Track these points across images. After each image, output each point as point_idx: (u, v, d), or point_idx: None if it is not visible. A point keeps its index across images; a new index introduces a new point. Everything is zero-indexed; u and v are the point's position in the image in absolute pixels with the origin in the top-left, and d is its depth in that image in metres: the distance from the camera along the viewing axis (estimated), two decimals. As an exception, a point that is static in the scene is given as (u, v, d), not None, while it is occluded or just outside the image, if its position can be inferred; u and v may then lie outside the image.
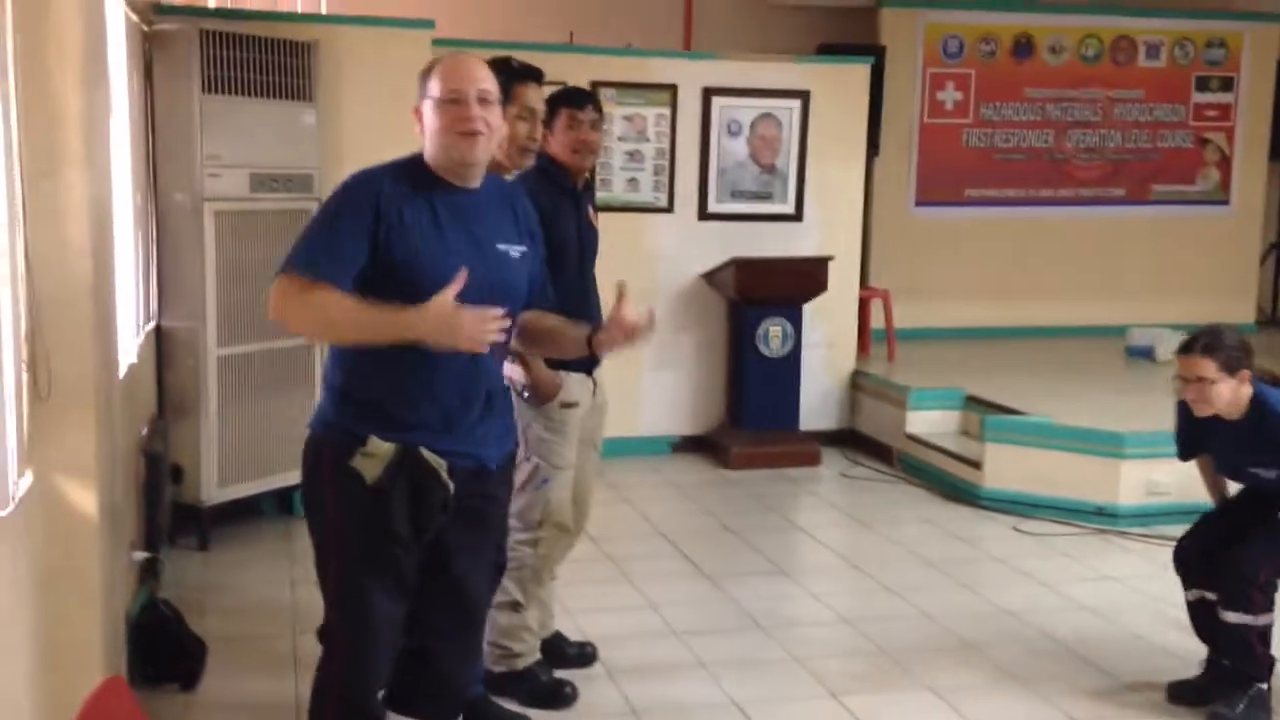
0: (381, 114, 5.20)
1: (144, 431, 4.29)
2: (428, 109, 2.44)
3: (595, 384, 3.65)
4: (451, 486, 2.45)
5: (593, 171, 4.15)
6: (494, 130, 2.45)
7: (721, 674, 3.79)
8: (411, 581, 2.50)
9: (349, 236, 2.34)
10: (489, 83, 2.44)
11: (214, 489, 4.87)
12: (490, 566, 2.69)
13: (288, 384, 5.08)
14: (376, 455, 2.38)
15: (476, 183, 2.50)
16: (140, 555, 3.91)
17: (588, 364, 3.53)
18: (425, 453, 2.41)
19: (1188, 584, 3.63)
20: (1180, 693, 3.61)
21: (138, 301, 4.35)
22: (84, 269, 2.65)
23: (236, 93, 4.76)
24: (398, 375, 2.39)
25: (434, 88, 2.43)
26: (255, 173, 4.83)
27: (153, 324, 4.80)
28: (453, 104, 2.40)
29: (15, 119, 2.44)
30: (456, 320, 2.29)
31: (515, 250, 2.54)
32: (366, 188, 2.40)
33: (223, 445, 4.86)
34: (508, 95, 2.97)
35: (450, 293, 2.29)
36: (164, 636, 3.66)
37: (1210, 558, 3.55)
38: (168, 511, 4.56)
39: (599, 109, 3.62)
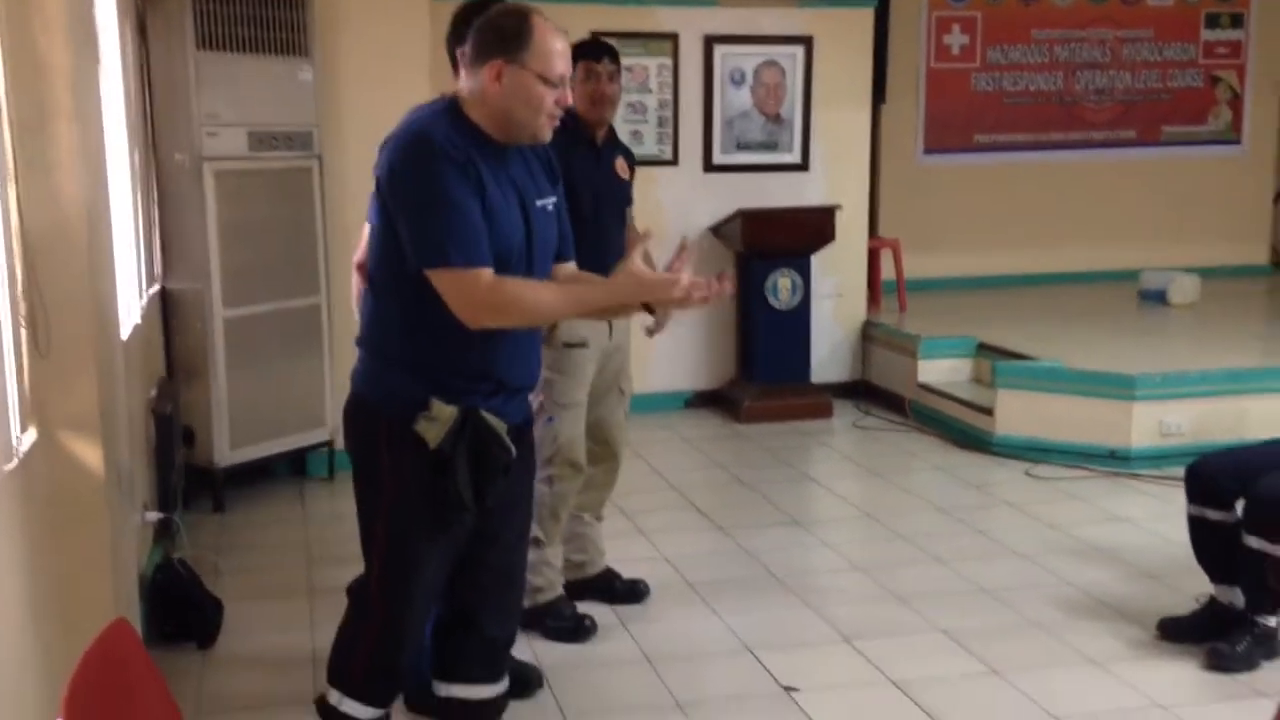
0: (379, 68, 5.15)
1: (153, 394, 4.29)
2: (521, 77, 2.32)
3: (611, 326, 3.66)
4: (514, 450, 2.44)
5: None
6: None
7: (735, 622, 3.79)
8: (461, 549, 2.49)
9: (475, 211, 2.28)
10: None
11: (226, 451, 4.87)
12: (528, 520, 2.70)
13: (298, 345, 5.07)
14: (440, 419, 2.34)
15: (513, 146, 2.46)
16: (154, 516, 3.93)
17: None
18: (486, 415, 2.39)
19: (1191, 498, 3.58)
20: (1171, 629, 3.60)
21: (140, 262, 4.34)
22: (78, 222, 2.63)
23: (232, 49, 4.71)
24: (460, 345, 2.35)
25: (539, 62, 2.32)
26: (254, 131, 4.79)
27: (158, 286, 4.79)
28: (555, 88, 2.34)
29: (1, 73, 2.42)
30: (650, 288, 2.34)
31: (550, 203, 2.50)
32: (456, 153, 2.29)
33: (233, 407, 4.86)
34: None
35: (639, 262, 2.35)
36: (180, 596, 3.68)
37: (1228, 476, 3.49)
38: (181, 474, 4.58)
39: (616, 60, 3.64)
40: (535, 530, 3.59)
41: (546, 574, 3.69)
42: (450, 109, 2.39)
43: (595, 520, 3.94)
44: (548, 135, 2.42)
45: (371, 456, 2.44)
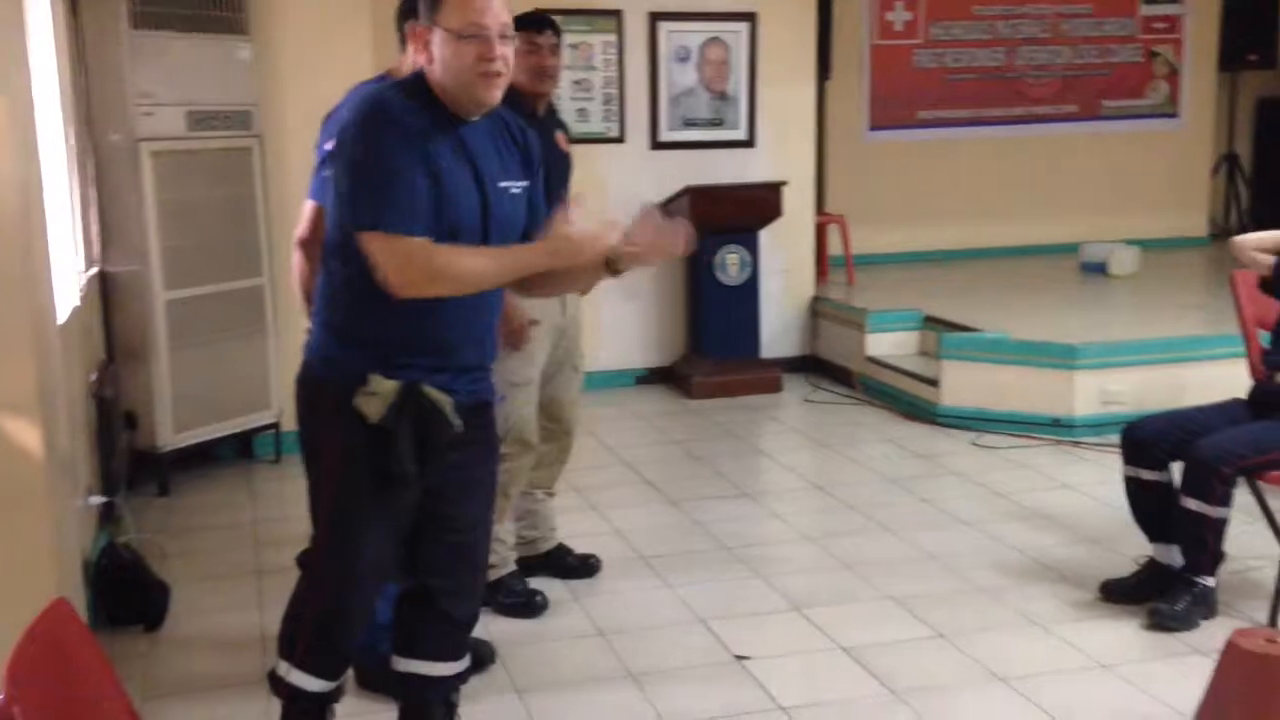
0: (318, 46, 5.08)
1: (93, 377, 4.23)
2: (441, 40, 2.26)
3: (564, 303, 3.66)
4: (458, 424, 2.40)
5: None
6: (510, 68, 2.34)
7: (686, 594, 3.82)
8: (407, 523, 2.47)
9: (417, 182, 2.23)
10: (508, 14, 2.31)
11: (170, 434, 4.81)
12: (490, 502, 2.66)
13: (241, 327, 5.01)
14: (379, 394, 2.31)
15: (477, 116, 2.37)
16: (97, 500, 3.87)
17: None
18: (429, 390, 2.35)
19: (1127, 459, 3.66)
20: (1113, 590, 3.67)
21: (78, 243, 4.27)
22: (10, 200, 2.57)
23: (167, 28, 4.64)
24: (404, 317, 2.31)
25: (451, 17, 2.25)
26: (191, 110, 4.72)
27: (96, 269, 4.71)
28: (475, 40, 2.25)
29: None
30: (582, 243, 2.29)
31: (516, 186, 2.42)
32: (407, 123, 2.25)
33: (177, 390, 4.80)
34: None
35: (570, 219, 2.28)
36: (125, 579, 3.64)
37: (1163, 439, 3.57)
38: (124, 458, 4.52)
39: (557, 33, 3.61)
40: (486, 508, 3.63)
41: (498, 550, 3.68)
42: (411, 83, 2.34)
43: (547, 497, 3.95)
44: (492, 96, 2.31)
45: (316, 428, 2.43)
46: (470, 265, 2.29)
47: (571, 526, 4.22)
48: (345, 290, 2.36)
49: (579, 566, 3.96)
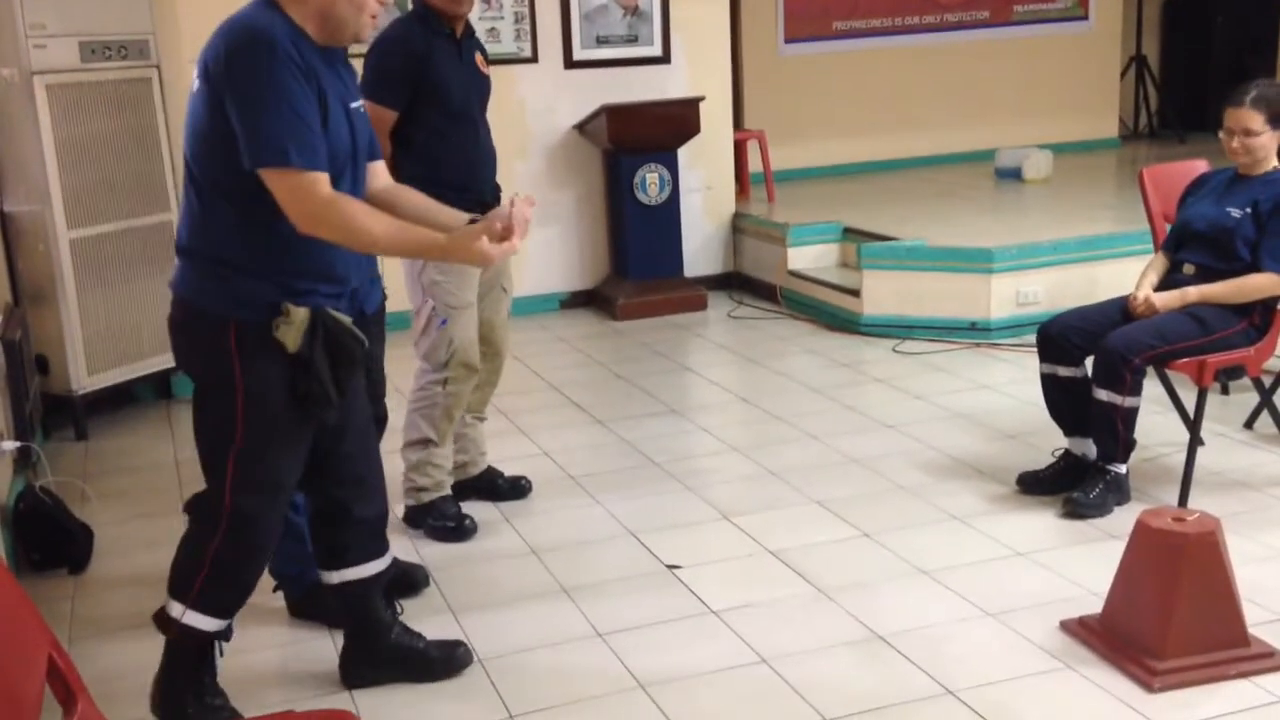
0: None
1: (-1, 321, 4.11)
2: None
3: None
4: (365, 341, 2.49)
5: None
6: None
7: (618, 509, 3.85)
8: (310, 445, 2.55)
9: (315, 117, 2.30)
10: None
11: (84, 378, 4.71)
12: (368, 406, 2.77)
13: (151, 264, 4.88)
14: (294, 323, 2.36)
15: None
16: (10, 445, 3.78)
17: (480, 205, 3.49)
18: (335, 313, 2.44)
19: (1043, 357, 3.74)
20: (1029, 483, 3.78)
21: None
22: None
23: (56, -47, 4.46)
24: (308, 248, 2.37)
25: None
26: (85, 40, 4.55)
27: (-6, 210, 4.57)
28: None
29: None
30: (490, 252, 2.32)
31: (362, 106, 2.56)
32: (299, 57, 2.29)
33: (88, 332, 4.69)
34: None
35: (484, 230, 2.33)
36: (45, 523, 3.59)
37: (1076, 335, 3.65)
38: (37, 402, 4.42)
39: None
40: (427, 430, 3.65)
41: (433, 474, 3.69)
42: (282, 15, 2.34)
43: (477, 421, 3.94)
44: (368, 34, 2.45)
45: (221, 366, 2.41)
46: (370, 228, 2.33)
47: (501, 450, 4.23)
48: (239, 224, 2.37)
49: (510, 489, 3.97)
